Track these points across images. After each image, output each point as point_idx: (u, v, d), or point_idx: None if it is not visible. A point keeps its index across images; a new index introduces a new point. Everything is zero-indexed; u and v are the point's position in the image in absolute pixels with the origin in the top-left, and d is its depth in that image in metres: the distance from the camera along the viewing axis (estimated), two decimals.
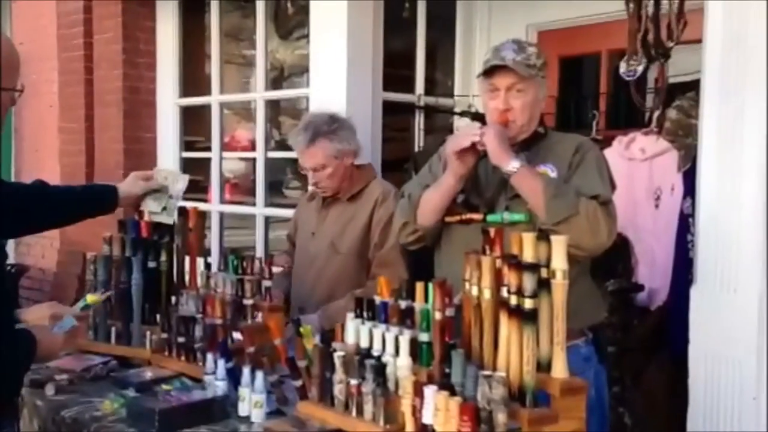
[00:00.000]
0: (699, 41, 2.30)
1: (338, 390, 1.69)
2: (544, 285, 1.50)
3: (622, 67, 2.83)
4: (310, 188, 2.74)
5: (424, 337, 1.66)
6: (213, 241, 4.46)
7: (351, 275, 2.64)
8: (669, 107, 3.01)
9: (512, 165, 1.98)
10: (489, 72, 2.11)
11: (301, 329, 1.83)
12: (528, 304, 1.48)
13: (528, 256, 1.51)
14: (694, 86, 2.72)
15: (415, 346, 1.66)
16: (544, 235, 1.53)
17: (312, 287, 2.71)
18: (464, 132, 2.10)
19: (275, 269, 2.66)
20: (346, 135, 2.70)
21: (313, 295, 2.68)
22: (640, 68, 2.77)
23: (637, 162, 3.08)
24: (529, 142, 2.15)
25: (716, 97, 2.17)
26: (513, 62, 2.06)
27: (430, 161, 2.35)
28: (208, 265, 2.49)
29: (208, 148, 4.49)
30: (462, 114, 4.07)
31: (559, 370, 1.52)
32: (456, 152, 2.04)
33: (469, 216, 2.09)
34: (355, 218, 2.70)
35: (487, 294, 1.57)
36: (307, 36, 3.81)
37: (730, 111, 2.14)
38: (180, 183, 2.46)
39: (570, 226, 1.85)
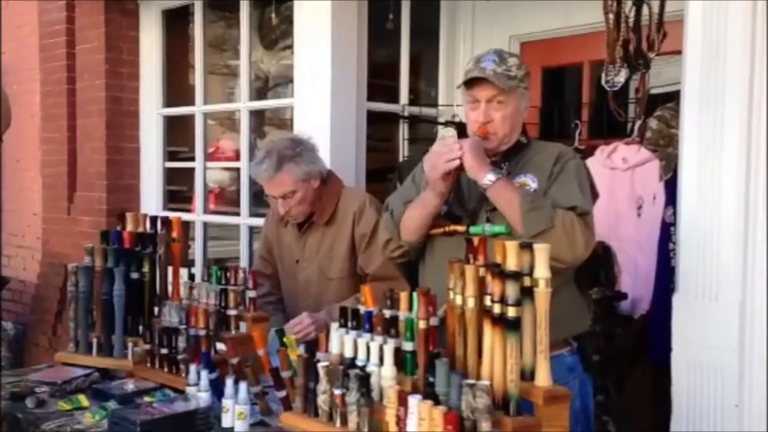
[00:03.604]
0: (679, 52, 2.33)
1: (322, 400, 1.68)
2: (527, 293, 1.51)
3: (604, 78, 2.85)
4: (280, 210, 2.64)
5: (408, 346, 1.66)
6: (197, 251, 4.43)
7: (350, 296, 2.57)
8: (650, 117, 3.04)
9: (488, 178, 1.98)
10: (470, 83, 2.10)
11: (285, 339, 1.83)
12: (511, 312, 1.49)
13: (511, 265, 1.51)
14: (675, 96, 2.75)
15: (399, 356, 1.66)
16: (526, 244, 1.54)
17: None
18: (442, 152, 2.03)
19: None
20: (311, 157, 2.62)
21: None
22: (619, 78, 2.79)
23: (619, 171, 3.10)
24: (511, 152, 2.16)
25: (696, 106, 2.20)
26: (493, 74, 2.06)
27: (413, 172, 2.34)
28: (191, 276, 2.48)
29: (192, 158, 4.47)
30: (446, 124, 4.09)
31: (543, 378, 1.52)
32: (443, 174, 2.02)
33: (452, 228, 2.09)
34: (336, 241, 2.64)
35: (470, 303, 1.58)
36: (291, 46, 3.81)
37: (710, 120, 2.16)
38: None
39: (546, 238, 1.84)
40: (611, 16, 2.64)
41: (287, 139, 2.68)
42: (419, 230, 2.14)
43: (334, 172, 2.80)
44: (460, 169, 2.03)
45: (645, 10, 2.71)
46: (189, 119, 4.51)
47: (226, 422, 1.84)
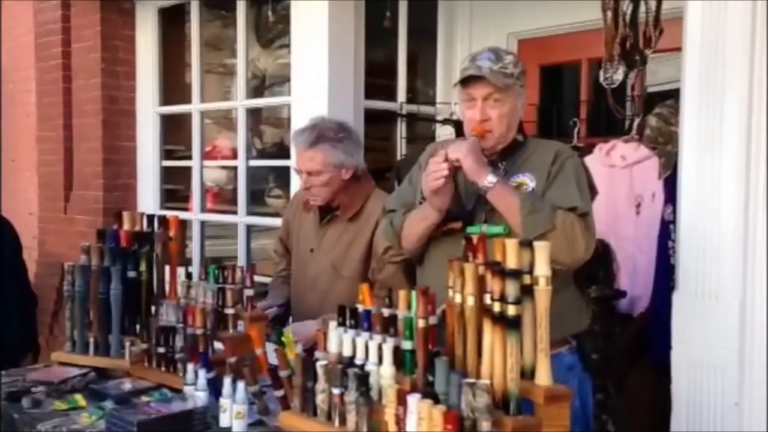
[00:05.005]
0: (676, 50, 2.32)
1: (321, 400, 1.67)
2: (527, 292, 1.50)
3: (602, 75, 2.85)
4: (302, 184, 2.63)
5: (407, 345, 1.64)
6: (194, 250, 4.42)
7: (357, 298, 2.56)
8: (650, 114, 3.04)
9: (488, 181, 1.96)
10: (466, 81, 2.08)
11: (283, 338, 1.82)
12: (511, 311, 1.48)
13: (511, 263, 1.50)
14: (672, 95, 2.75)
15: (398, 355, 1.64)
16: (526, 242, 1.53)
17: (318, 309, 2.60)
18: (431, 170, 2.01)
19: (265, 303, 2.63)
20: (350, 148, 2.58)
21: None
22: (617, 76, 2.79)
23: (617, 169, 3.09)
24: (508, 151, 2.15)
25: (696, 104, 2.19)
26: (489, 72, 2.04)
27: (410, 172, 2.33)
28: (189, 275, 2.46)
29: (189, 157, 4.46)
30: (444, 122, 4.08)
31: (543, 377, 1.51)
32: (433, 191, 2.01)
33: (450, 227, 2.09)
34: (356, 240, 2.60)
35: (470, 301, 1.56)
36: (288, 45, 3.81)
37: (710, 118, 2.16)
38: None
39: (547, 241, 1.84)
40: (609, 13, 2.63)
41: (337, 122, 2.66)
42: (420, 240, 2.14)
43: (368, 172, 2.78)
44: (459, 168, 2.02)
45: (642, 7, 2.70)
46: (186, 118, 4.49)
47: (223, 422, 1.83)
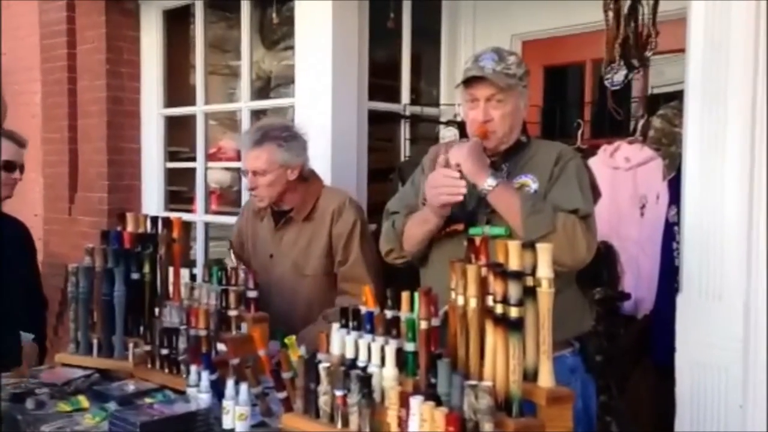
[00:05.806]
0: (682, 50, 2.31)
1: (323, 401, 1.67)
2: (529, 293, 1.50)
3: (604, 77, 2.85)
4: (248, 184, 2.66)
5: (409, 346, 1.65)
6: (198, 252, 4.42)
7: (324, 295, 2.60)
8: (653, 116, 3.03)
9: (488, 183, 1.96)
10: (469, 82, 2.09)
11: (286, 340, 1.82)
12: (514, 312, 1.48)
13: (513, 265, 1.50)
14: (679, 95, 2.73)
15: (400, 356, 1.64)
16: (529, 244, 1.53)
17: (288, 310, 2.63)
18: (446, 183, 1.98)
19: None
20: (296, 147, 2.62)
21: (291, 317, 2.59)
22: (617, 77, 2.79)
23: (621, 171, 3.09)
24: (511, 151, 2.14)
25: (699, 105, 2.18)
26: (492, 72, 2.04)
27: (413, 175, 2.34)
28: (193, 276, 2.47)
29: (193, 159, 4.46)
30: (447, 123, 4.08)
31: (545, 379, 1.51)
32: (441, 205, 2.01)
33: (452, 228, 2.09)
34: (314, 238, 2.63)
35: (472, 303, 1.56)
36: (293, 46, 3.80)
37: (713, 119, 2.15)
38: None
39: (548, 242, 1.84)
40: (610, 14, 2.63)
41: (283, 123, 2.74)
42: (421, 243, 2.15)
43: (315, 172, 2.80)
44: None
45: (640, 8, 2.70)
46: (190, 119, 4.49)
47: (226, 423, 1.83)
